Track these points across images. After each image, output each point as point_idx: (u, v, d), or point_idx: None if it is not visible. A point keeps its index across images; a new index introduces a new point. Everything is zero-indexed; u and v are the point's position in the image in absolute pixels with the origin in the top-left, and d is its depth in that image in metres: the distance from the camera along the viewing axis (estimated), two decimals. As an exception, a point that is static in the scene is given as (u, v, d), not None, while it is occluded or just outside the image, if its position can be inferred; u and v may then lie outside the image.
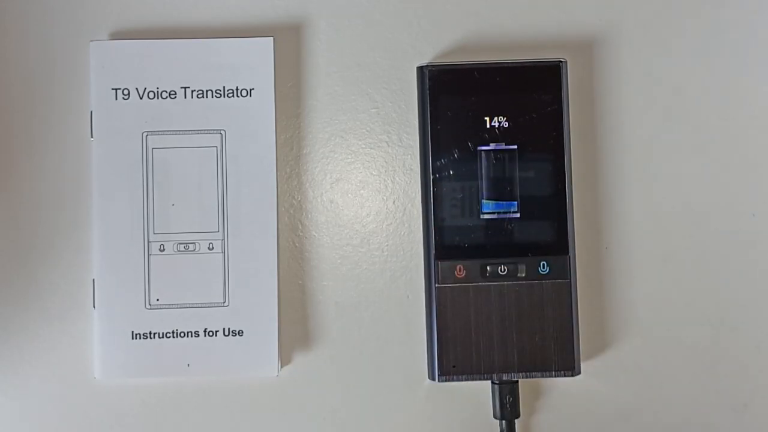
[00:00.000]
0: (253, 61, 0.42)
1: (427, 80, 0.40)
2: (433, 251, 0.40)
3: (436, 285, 0.40)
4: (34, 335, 0.43)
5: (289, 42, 0.44)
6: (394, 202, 0.44)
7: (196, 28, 0.43)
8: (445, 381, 0.40)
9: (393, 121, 0.44)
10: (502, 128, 0.40)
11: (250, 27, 0.43)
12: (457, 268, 0.40)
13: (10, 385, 0.43)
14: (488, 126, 0.40)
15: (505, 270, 0.40)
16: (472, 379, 0.40)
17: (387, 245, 0.44)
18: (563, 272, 0.40)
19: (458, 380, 0.40)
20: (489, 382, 0.41)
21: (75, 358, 0.43)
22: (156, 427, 0.44)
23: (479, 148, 0.40)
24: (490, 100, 0.40)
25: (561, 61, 0.41)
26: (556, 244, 0.40)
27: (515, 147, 0.40)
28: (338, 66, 0.44)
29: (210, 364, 0.42)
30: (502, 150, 0.40)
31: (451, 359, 0.40)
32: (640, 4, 0.44)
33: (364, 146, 0.44)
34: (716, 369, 0.44)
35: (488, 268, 0.40)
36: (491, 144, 0.40)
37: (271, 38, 0.42)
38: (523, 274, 0.40)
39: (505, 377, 0.40)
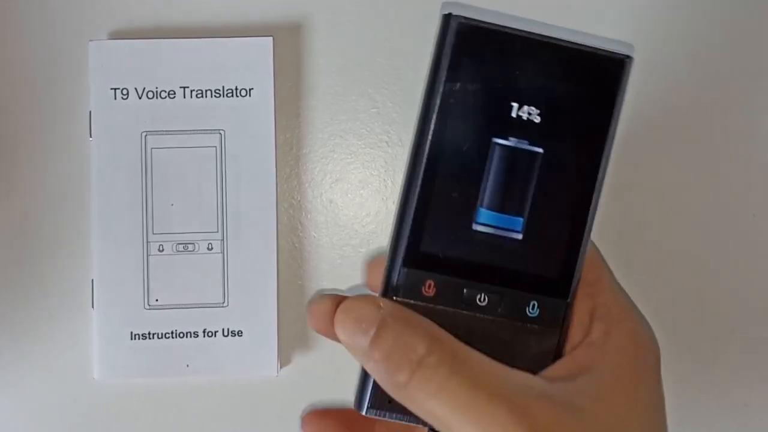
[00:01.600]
0: (253, 61, 0.42)
1: (452, 36, 0.31)
2: (401, 254, 0.31)
3: (395, 298, 0.31)
4: (33, 335, 0.43)
5: (289, 42, 0.44)
6: (393, 202, 0.44)
7: (195, 28, 0.43)
8: (375, 416, 0.31)
9: (393, 122, 0.44)
10: (530, 122, 0.31)
11: (250, 27, 0.43)
12: (427, 283, 0.31)
13: (8, 385, 0.43)
14: (514, 114, 0.31)
15: (484, 300, 0.31)
16: (408, 421, 0.31)
17: (387, 246, 0.44)
18: (555, 319, 0.32)
19: (390, 418, 0.31)
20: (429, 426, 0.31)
21: (74, 359, 0.43)
22: (155, 428, 0.44)
23: (494, 139, 0.31)
24: (524, 82, 0.31)
25: (626, 56, 0.31)
26: (557, 284, 0.32)
27: (540, 150, 0.31)
28: (338, 66, 0.44)
29: (209, 365, 0.42)
30: (523, 150, 0.31)
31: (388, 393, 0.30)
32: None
33: (364, 146, 0.44)
34: (715, 368, 0.44)
35: (465, 291, 0.31)
36: (511, 138, 0.31)
37: (271, 38, 0.42)
38: (506, 311, 0.31)
39: None
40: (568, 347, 0.32)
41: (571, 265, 0.32)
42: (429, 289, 0.31)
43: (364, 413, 0.31)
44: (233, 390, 0.44)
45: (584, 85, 0.31)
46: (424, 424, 0.30)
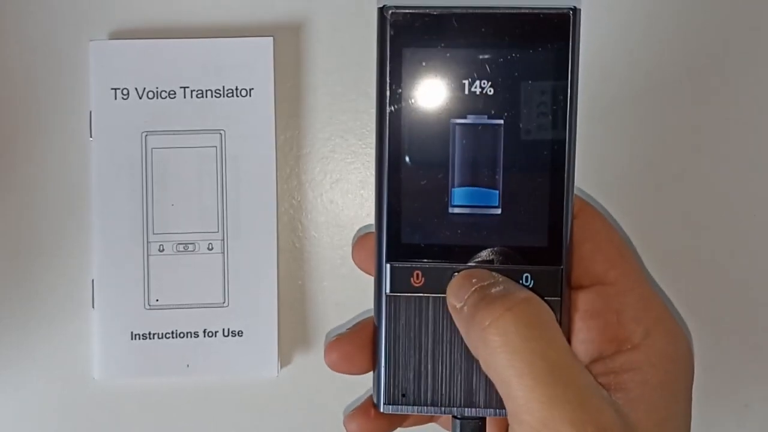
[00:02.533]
0: (253, 60, 0.42)
1: (387, 27, 0.31)
2: (384, 250, 0.32)
3: (387, 293, 0.32)
4: (33, 335, 0.43)
5: (289, 42, 0.44)
6: (394, 202, 0.44)
7: (195, 28, 0.43)
8: (391, 412, 0.32)
9: (393, 121, 0.44)
10: (485, 96, 0.31)
11: (250, 27, 0.43)
12: (414, 274, 0.32)
13: (8, 385, 0.43)
14: (467, 92, 0.31)
15: None
16: (427, 412, 0.32)
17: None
18: (552, 288, 0.31)
19: (408, 412, 0.32)
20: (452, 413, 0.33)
21: (74, 359, 0.43)
22: (155, 428, 0.43)
23: (453, 120, 0.31)
24: (471, 58, 0.31)
25: (572, 9, 0.31)
26: (546, 252, 0.31)
27: (500, 121, 0.31)
28: (338, 65, 0.44)
29: (209, 365, 0.42)
30: (483, 124, 0.31)
31: (401, 386, 0.32)
32: None
33: (364, 146, 0.44)
34: (716, 370, 0.44)
35: (453, 275, 0.31)
36: (469, 116, 0.31)
37: (271, 38, 0.42)
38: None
39: (468, 412, 0.32)
40: (592, 338, 0.31)
41: (558, 231, 0.31)
42: (417, 279, 0.32)
43: (381, 410, 0.32)
44: (233, 390, 0.44)
45: (532, 47, 0.31)
46: (454, 415, 0.32)
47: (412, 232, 0.32)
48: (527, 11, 0.31)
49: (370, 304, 0.44)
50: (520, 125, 0.31)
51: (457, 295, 0.30)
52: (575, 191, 0.32)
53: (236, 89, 0.42)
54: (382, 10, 0.31)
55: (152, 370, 0.42)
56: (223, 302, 0.42)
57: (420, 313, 0.32)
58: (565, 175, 0.31)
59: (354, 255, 0.35)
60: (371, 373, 0.34)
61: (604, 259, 0.32)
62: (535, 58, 0.31)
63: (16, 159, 0.43)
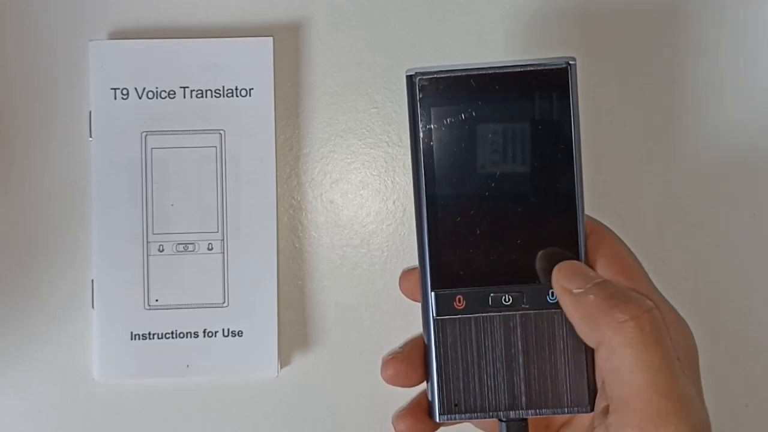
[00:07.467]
0: (253, 61, 0.42)
1: (417, 91, 0.36)
2: (428, 281, 0.36)
3: (434, 317, 0.36)
4: (33, 335, 0.43)
5: (289, 42, 0.44)
6: (394, 202, 0.44)
7: (195, 27, 0.43)
8: (447, 420, 0.36)
9: (393, 121, 0.44)
10: (504, 141, 0.36)
11: (250, 27, 0.43)
12: (457, 298, 0.36)
13: (8, 385, 0.43)
14: (488, 141, 0.36)
15: (509, 300, 0.36)
16: (477, 418, 0.36)
17: (387, 246, 0.44)
18: None
19: (461, 419, 0.36)
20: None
21: (74, 359, 0.43)
22: (155, 428, 0.43)
23: (477, 161, 0.36)
24: (488, 111, 0.36)
25: (569, 63, 0.35)
26: None
27: (519, 161, 0.36)
28: (338, 66, 0.44)
29: (209, 365, 0.42)
30: (503, 168, 0.36)
31: (453, 397, 0.36)
32: None
33: (363, 146, 0.44)
34: (716, 370, 0.44)
35: (491, 297, 0.36)
36: (491, 161, 0.36)
37: (271, 38, 0.42)
38: (530, 303, 0.36)
39: (512, 414, 0.36)
40: None
41: (575, 252, 0.36)
42: (460, 302, 0.36)
43: (437, 420, 0.36)
44: (233, 390, 0.44)
45: (540, 97, 0.36)
46: (500, 418, 0.36)
47: (452, 263, 0.36)
48: (532, 68, 0.35)
49: (369, 304, 0.44)
50: (536, 163, 0.36)
51: (572, 282, 0.34)
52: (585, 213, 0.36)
53: (236, 89, 0.42)
54: (411, 77, 0.36)
55: (152, 370, 0.42)
56: (223, 302, 0.42)
57: (464, 332, 0.36)
58: (577, 202, 0.36)
59: (401, 286, 0.38)
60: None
61: (615, 270, 0.35)
62: (543, 106, 0.36)
63: (16, 159, 0.43)
